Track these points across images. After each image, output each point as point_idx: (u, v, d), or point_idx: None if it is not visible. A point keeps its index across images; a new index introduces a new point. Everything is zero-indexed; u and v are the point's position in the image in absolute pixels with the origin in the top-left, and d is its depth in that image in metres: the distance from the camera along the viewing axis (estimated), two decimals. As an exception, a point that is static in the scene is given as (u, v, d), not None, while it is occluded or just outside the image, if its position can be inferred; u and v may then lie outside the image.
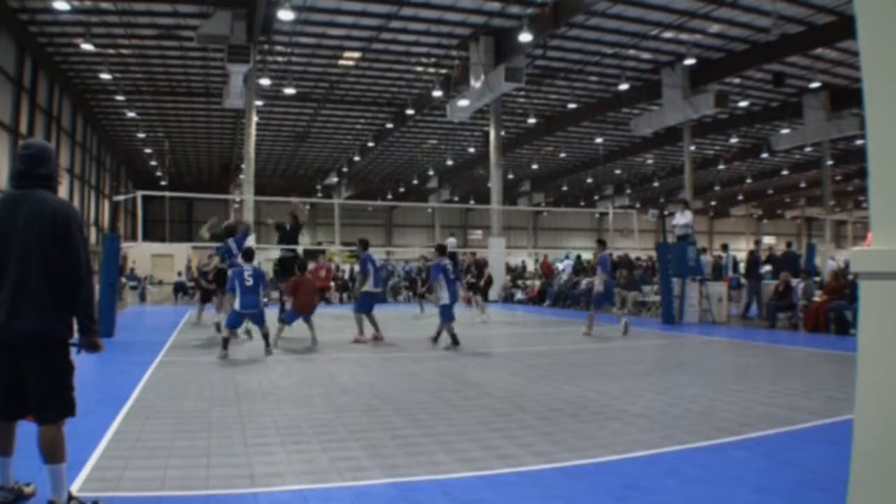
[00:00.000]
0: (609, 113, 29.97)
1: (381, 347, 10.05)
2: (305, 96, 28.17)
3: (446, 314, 9.92)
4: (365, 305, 10.85)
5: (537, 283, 23.55)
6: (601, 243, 12.35)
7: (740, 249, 49.81)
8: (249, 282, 9.05)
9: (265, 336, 9.19)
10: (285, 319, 10.49)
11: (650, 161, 42.99)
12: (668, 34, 21.26)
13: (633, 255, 23.45)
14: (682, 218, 14.76)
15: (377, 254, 13.82)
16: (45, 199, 3.09)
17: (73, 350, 3.17)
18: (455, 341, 9.79)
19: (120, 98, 27.86)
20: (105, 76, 24.25)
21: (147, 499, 3.37)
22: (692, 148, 28.17)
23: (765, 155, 36.84)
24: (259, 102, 25.31)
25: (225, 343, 8.87)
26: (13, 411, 3.10)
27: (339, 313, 15.50)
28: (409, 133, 35.28)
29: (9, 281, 2.98)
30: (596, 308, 12.08)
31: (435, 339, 10.28)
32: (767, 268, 17.36)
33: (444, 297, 9.92)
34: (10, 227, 3.02)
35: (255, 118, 23.26)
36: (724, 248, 19.98)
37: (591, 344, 10.86)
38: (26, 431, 3.16)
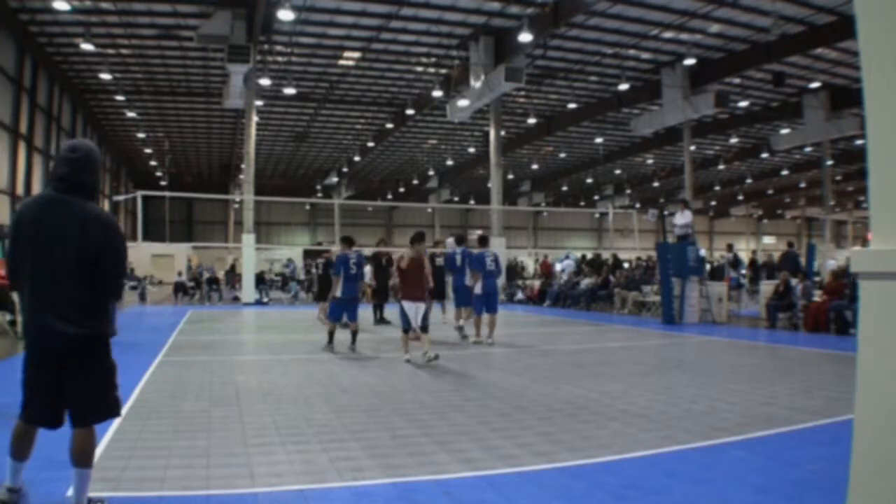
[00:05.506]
0: (609, 113, 29.96)
1: (381, 348, 10.03)
2: (305, 96, 28.16)
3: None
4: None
5: (537, 283, 23.56)
6: (461, 239, 12.03)
7: (740, 250, 49.86)
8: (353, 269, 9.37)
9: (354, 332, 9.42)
10: (402, 325, 8.61)
11: (650, 161, 42.98)
12: (668, 34, 21.25)
13: (633, 256, 23.47)
14: (681, 218, 14.77)
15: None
16: (85, 207, 2.97)
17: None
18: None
19: (120, 98, 27.86)
20: (105, 76, 24.25)
21: (147, 499, 3.37)
22: (692, 148, 28.14)
23: (765, 155, 36.84)
24: (259, 102, 25.32)
25: (330, 337, 9.40)
26: (54, 419, 3.02)
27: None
28: (409, 133, 35.26)
29: (45, 287, 2.92)
30: (469, 307, 10.98)
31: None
32: None
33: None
34: (46, 230, 2.92)
35: (255, 118, 23.28)
36: (730, 247, 20.44)
37: (591, 344, 10.88)
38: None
